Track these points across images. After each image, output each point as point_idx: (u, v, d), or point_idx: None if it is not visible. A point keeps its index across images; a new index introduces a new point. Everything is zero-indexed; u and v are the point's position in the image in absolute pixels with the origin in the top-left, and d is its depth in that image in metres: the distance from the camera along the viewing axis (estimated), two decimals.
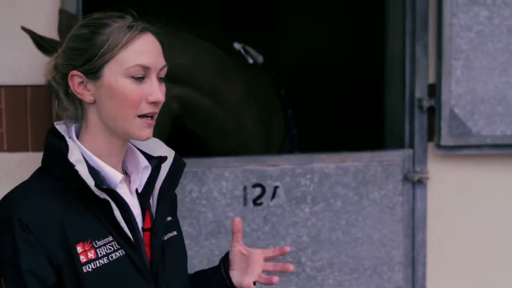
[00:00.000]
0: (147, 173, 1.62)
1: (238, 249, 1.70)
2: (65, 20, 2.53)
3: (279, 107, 3.31)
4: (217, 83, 2.92)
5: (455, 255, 3.11)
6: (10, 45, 2.68)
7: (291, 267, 1.67)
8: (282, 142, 3.24)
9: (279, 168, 2.91)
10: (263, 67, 3.39)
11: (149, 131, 1.56)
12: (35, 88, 2.70)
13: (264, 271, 1.68)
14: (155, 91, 1.54)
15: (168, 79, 2.66)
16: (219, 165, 2.86)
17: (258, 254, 1.69)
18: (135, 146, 1.66)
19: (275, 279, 1.63)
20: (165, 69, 1.59)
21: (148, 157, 1.65)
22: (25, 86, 2.70)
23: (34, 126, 2.71)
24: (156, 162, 1.63)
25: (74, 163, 1.50)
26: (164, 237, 1.64)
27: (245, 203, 2.87)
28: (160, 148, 1.68)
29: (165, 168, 1.65)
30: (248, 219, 2.90)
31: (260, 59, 3.36)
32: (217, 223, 2.87)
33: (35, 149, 2.71)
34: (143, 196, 1.62)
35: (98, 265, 1.51)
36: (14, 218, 1.48)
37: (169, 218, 1.68)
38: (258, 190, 2.90)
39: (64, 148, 1.53)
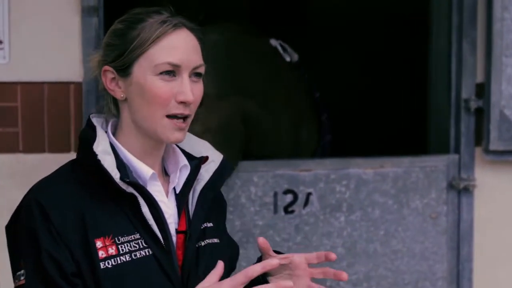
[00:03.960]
0: (186, 172, 1.62)
1: (275, 262, 1.58)
2: None
3: (312, 110, 3.27)
4: (265, 90, 2.93)
5: (504, 270, 3.04)
6: (27, 39, 2.67)
7: (344, 275, 1.59)
8: (313, 150, 3.21)
9: (312, 173, 2.87)
10: (298, 66, 3.27)
11: (179, 134, 1.55)
12: (52, 85, 2.68)
13: (312, 278, 1.64)
14: (185, 90, 1.53)
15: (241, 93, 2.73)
16: (248, 169, 2.84)
17: (301, 261, 1.62)
18: (178, 146, 1.67)
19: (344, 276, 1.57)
20: (202, 68, 1.58)
21: (191, 158, 1.65)
22: (42, 83, 2.68)
23: (51, 126, 2.70)
24: (196, 162, 1.64)
25: (98, 153, 1.52)
26: (201, 243, 1.62)
27: (275, 210, 2.85)
28: (206, 151, 1.68)
29: (209, 171, 1.66)
30: (278, 228, 2.87)
31: (295, 57, 3.30)
32: (245, 232, 2.84)
33: (52, 150, 2.70)
34: (180, 197, 1.61)
35: (119, 262, 1.50)
36: (35, 205, 1.51)
37: (210, 224, 1.66)
38: (289, 197, 2.86)
39: (92, 137, 1.56)
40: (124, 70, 1.55)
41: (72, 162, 1.61)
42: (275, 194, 2.83)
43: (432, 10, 3.21)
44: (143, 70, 1.53)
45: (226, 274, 1.64)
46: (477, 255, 2.98)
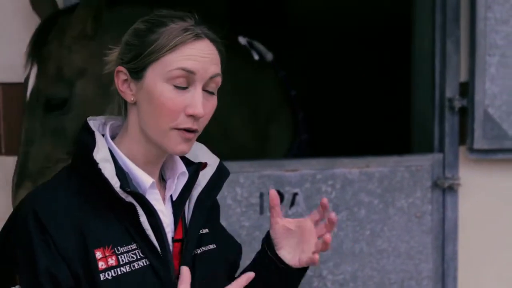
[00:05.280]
0: (184, 179, 1.57)
1: (282, 225, 1.60)
2: None
3: (286, 110, 3.18)
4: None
5: (489, 269, 3.01)
6: (8, 39, 2.63)
7: (332, 215, 1.56)
8: (287, 148, 3.13)
9: (298, 173, 2.81)
10: (272, 65, 3.22)
11: (185, 146, 1.49)
12: None
13: (318, 237, 1.60)
14: (196, 103, 1.46)
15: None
16: (233, 170, 2.73)
17: (306, 224, 1.60)
18: None
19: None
20: (218, 80, 1.51)
21: (189, 163, 1.60)
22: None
23: None
24: (194, 168, 1.58)
25: (98, 161, 1.46)
26: (197, 251, 1.58)
27: (261, 211, 2.78)
28: (203, 155, 1.64)
29: (206, 176, 1.61)
30: (264, 228, 2.77)
31: (269, 56, 3.23)
32: (232, 233, 2.66)
33: None
34: (177, 204, 1.56)
35: (119, 273, 1.45)
36: (31, 216, 1.45)
37: (205, 231, 1.62)
38: None
39: (91, 144, 1.49)
40: (137, 72, 1.49)
41: (67, 169, 1.55)
42: (261, 195, 2.77)
43: (415, 9, 3.17)
44: (155, 75, 1.47)
45: (227, 277, 1.62)
46: (461, 253, 2.95)
